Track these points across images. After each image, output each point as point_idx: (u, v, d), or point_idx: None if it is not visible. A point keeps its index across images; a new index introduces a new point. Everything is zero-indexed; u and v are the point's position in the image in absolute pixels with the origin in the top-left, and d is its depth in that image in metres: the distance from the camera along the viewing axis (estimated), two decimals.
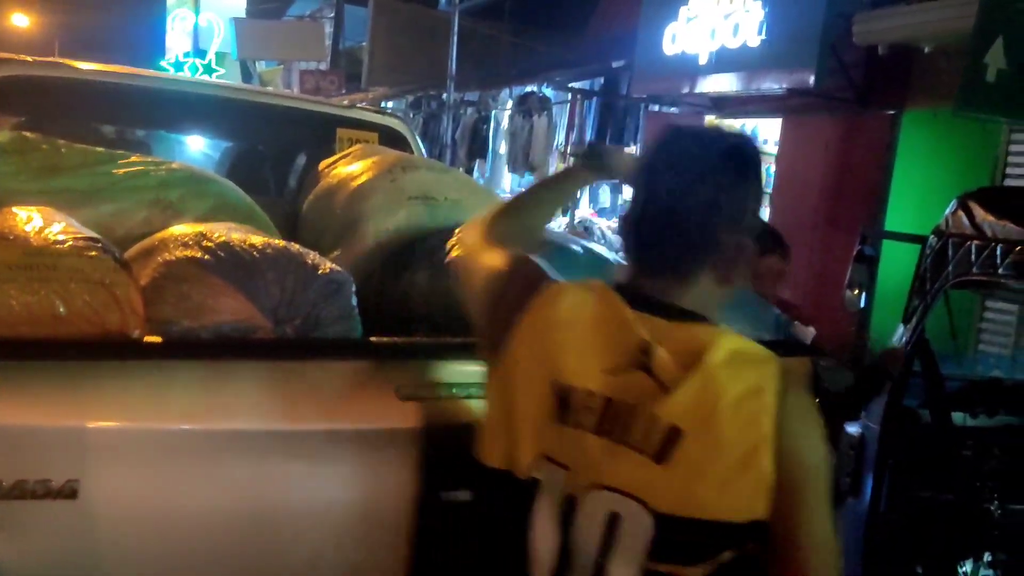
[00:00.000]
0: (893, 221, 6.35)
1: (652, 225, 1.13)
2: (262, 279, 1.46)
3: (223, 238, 1.51)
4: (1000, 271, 2.20)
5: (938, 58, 5.72)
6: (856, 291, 2.79)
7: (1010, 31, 2.93)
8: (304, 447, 1.38)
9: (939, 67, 5.86)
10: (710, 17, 6.78)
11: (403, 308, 1.87)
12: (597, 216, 12.59)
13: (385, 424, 1.41)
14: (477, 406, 1.41)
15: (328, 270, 1.51)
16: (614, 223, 12.31)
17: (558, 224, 11.71)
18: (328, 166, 2.36)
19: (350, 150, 2.44)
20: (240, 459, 1.34)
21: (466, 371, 1.45)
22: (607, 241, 11.44)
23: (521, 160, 10.37)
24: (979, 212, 2.31)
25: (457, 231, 1.72)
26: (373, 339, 1.51)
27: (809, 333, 1.75)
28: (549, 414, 1.09)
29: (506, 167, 11.07)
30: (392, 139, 3.10)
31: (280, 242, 1.61)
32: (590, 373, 1.08)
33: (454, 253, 1.71)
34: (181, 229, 1.62)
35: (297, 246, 1.62)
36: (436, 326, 1.76)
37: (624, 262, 1.19)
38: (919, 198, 6.17)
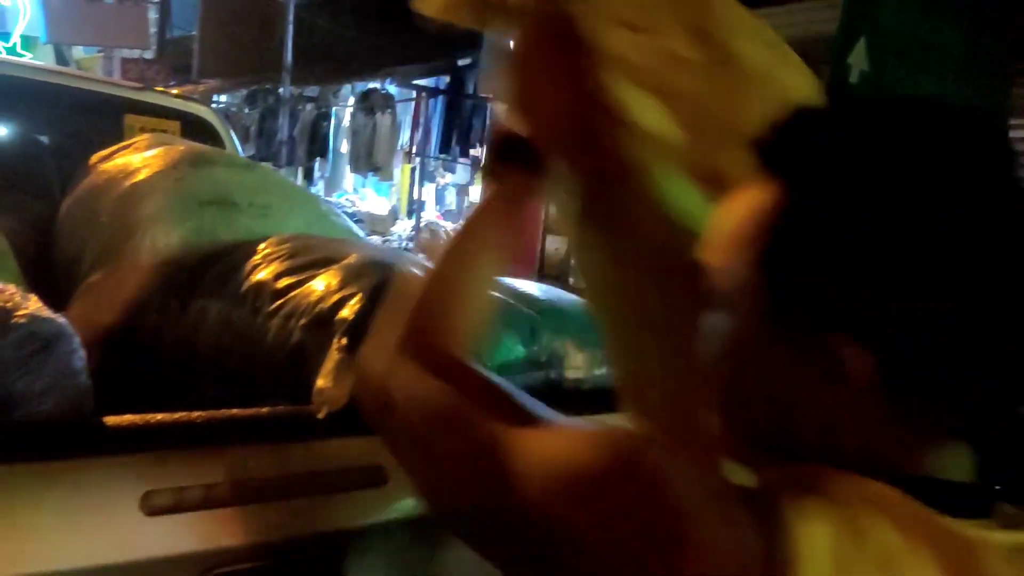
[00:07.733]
0: None
1: None
2: None
3: None
4: None
5: None
6: None
7: (872, 32, 2.81)
8: None
9: None
10: None
11: (187, 353, 1.37)
12: (443, 219, 12.26)
13: (121, 557, 0.88)
14: (282, 514, 0.98)
15: (27, 318, 0.94)
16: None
17: (403, 228, 11.27)
18: (101, 160, 1.83)
19: (132, 140, 1.91)
20: None
21: (264, 462, 0.99)
22: None
23: (364, 159, 9.85)
24: None
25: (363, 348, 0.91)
26: (109, 420, 0.93)
27: None
28: None
29: (348, 166, 10.52)
30: (198, 130, 2.59)
31: None
32: None
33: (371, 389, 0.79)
34: None
35: None
36: (230, 378, 1.28)
37: None
38: None
